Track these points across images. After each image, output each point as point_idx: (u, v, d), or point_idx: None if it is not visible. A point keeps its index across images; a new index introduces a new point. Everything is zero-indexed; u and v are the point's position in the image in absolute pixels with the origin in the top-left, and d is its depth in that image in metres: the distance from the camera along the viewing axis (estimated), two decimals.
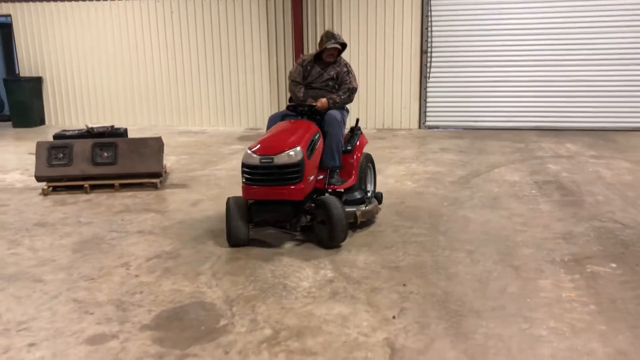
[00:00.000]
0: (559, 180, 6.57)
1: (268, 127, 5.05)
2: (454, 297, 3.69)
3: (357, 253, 4.48)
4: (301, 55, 5.46)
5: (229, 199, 4.75)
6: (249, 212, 4.66)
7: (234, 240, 4.60)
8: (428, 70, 10.28)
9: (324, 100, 5.08)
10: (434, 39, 10.20)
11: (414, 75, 10.33)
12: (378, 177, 6.86)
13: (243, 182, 4.60)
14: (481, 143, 8.95)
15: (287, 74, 10.18)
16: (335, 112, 5.06)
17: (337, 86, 5.23)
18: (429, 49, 10.20)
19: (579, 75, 9.84)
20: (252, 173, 4.54)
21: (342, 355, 3.03)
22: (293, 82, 5.27)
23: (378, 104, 10.53)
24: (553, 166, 7.28)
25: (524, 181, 6.57)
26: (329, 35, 5.14)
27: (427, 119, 10.55)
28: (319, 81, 5.21)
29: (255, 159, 4.52)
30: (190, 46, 11.16)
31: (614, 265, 4.15)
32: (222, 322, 3.40)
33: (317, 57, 5.23)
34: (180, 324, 3.39)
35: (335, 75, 5.21)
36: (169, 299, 3.73)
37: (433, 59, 10.26)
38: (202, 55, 11.13)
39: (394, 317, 3.43)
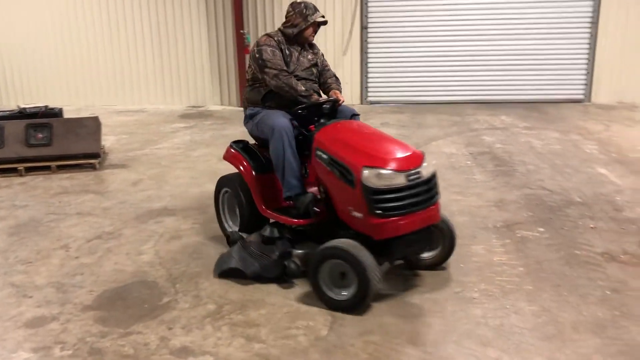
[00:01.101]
0: (493, 151, 6.84)
1: (286, 142, 3.67)
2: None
3: None
4: (266, 34, 4.02)
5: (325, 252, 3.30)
6: (382, 251, 3.35)
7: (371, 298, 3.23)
8: (368, 46, 10.38)
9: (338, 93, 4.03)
10: (373, 15, 10.28)
11: (355, 51, 10.40)
12: None
13: (378, 214, 3.22)
14: (421, 117, 9.16)
15: (235, 52, 9.97)
16: (350, 108, 4.09)
17: (318, 74, 4.16)
18: (369, 25, 10.29)
19: (512, 49, 10.15)
20: (398, 199, 3.25)
21: (284, 324, 3.12)
22: (281, 72, 3.81)
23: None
24: (488, 138, 7.56)
25: (460, 153, 6.80)
26: (311, 6, 3.98)
27: (369, 94, 10.68)
28: (300, 69, 4.01)
29: (400, 178, 3.24)
30: (127, 22, 10.83)
31: (541, 229, 4.40)
32: (166, 300, 3.42)
33: (291, 37, 4.01)
34: (123, 303, 3.40)
35: (316, 61, 4.14)
36: (111, 279, 3.71)
37: (373, 35, 10.35)
38: (139, 31, 10.83)
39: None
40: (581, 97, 10.19)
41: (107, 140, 7.63)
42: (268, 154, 3.86)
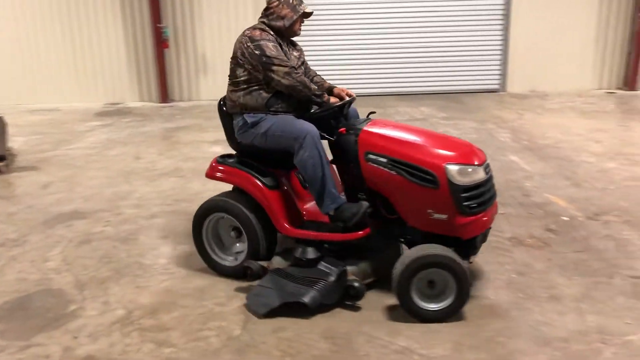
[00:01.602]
0: None
1: (321, 150, 3.29)
2: None
3: None
4: (257, 28, 3.49)
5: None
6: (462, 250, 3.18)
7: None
8: None
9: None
10: None
11: None
12: None
13: (467, 212, 3.07)
14: None
15: (153, 46, 9.67)
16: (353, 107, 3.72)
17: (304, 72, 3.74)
18: None
19: (431, 41, 10.38)
20: (482, 194, 3.13)
21: (196, 327, 3.06)
22: (292, 69, 3.35)
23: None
24: None
25: None
26: None
27: None
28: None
29: (481, 172, 3.12)
30: (36, 16, 10.25)
31: None
32: (72, 307, 3.28)
33: (281, 32, 3.55)
34: (24, 314, 3.22)
35: (303, 58, 3.77)
36: (13, 289, 3.51)
37: None
38: (49, 26, 10.28)
39: (251, 285, 3.50)
40: (497, 87, 10.57)
41: (16, 142, 7.21)
42: (270, 167, 3.50)
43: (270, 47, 3.38)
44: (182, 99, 10.35)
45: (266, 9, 3.56)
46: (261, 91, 3.43)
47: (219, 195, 3.62)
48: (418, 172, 3.08)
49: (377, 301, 3.26)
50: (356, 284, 3.14)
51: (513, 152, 6.39)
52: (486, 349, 2.82)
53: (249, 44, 3.39)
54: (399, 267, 3.01)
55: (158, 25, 9.82)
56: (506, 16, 10.21)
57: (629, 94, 9.98)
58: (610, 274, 3.52)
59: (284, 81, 3.33)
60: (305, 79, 3.40)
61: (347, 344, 2.89)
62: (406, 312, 3.05)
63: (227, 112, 3.59)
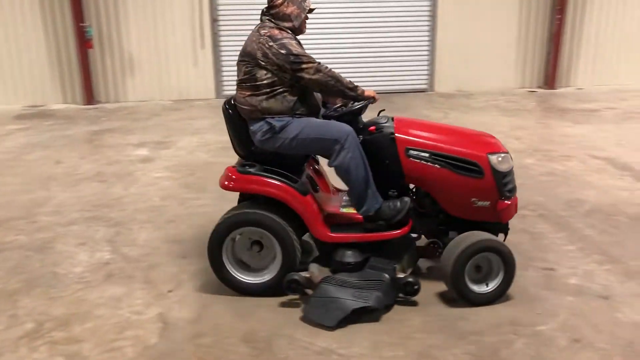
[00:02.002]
0: None
1: (361, 150, 3.22)
2: None
3: (139, 231, 4.35)
4: (275, 27, 3.30)
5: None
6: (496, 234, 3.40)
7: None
8: (220, 39, 10.20)
9: None
10: (223, 7, 10.11)
11: (207, 43, 10.17)
12: (170, 150, 6.74)
13: (506, 197, 3.30)
14: None
15: (76, 46, 9.30)
16: None
17: None
18: (219, 17, 10.11)
19: (360, 42, 10.48)
20: (513, 179, 3.39)
21: (110, 337, 2.95)
22: (319, 64, 3.21)
23: (172, 73, 10.22)
24: None
25: None
26: None
27: (224, 88, 10.51)
28: None
29: (510, 159, 3.36)
30: None
31: None
32: None
33: (294, 31, 3.40)
34: None
35: None
36: None
37: (225, 28, 10.19)
38: None
39: (169, 291, 3.42)
40: (425, 87, 10.81)
41: None
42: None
43: (295, 45, 3.22)
44: (109, 100, 10.01)
45: (269, 8, 3.36)
46: (286, 94, 3.25)
47: (240, 209, 3.34)
48: (462, 164, 3.24)
49: (297, 302, 3.25)
50: (411, 279, 3.17)
51: None
52: (403, 346, 2.86)
53: (271, 44, 3.17)
54: (452, 254, 3.13)
55: (81, 24, 9.46)
56: (433, 17, 10.45)
57: (549, 92, 10.43)
58: (524, 266, 3.64)
59: (316, 77, 3.17)
60: (336, 72, 3.24)
61: (267, 347, 2.86)
62: (459, 297, 3.18)
63: (241, 117, 3.33)
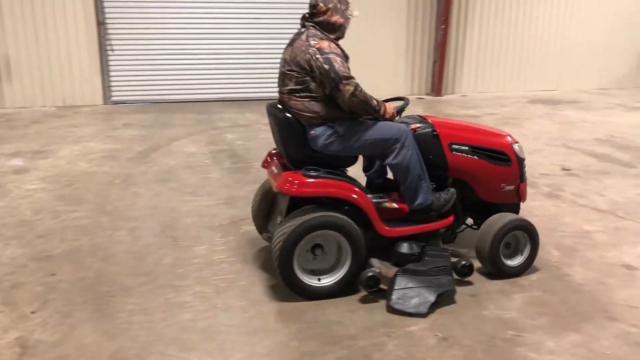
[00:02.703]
0: (233, 149, 6.94)
1: (413, 142, 3.47)
2: (106, 279, 3.60)
3: (3, 248, 4.03)
4: (326, 38, 3.33)
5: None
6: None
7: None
8: (108, 42, 9.77)
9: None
10: (110, 10, 9.69)
11: (92, 47, 9.69)
12: (49, 160, 6.33)
13: (524, 180, 3.87)
14: (166, 117, 8.92)
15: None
16: None
17: None
18: (106, 20, 9.67)
19: (256, 48, 10.45)
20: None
21: None
22: (357, 88, 3.25)
23: (55, 77, 9.64)
24: (230, 135, 7.65)
25: (200, 152, 6.76)
26: None
27: (113, 94, 10.06)
28: None
29: (522, 149, 3.92)
30: None
31: None
32: None
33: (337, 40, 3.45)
34: None
35: None
36: None
37: (113, 31, 9.77)
38: None
39: (33, 312, 3.18)
40: None
41: None
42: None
43: (339, 62, 3.23)
44: None
45: (313, 14, 3.39)
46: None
47: (306, 214, 3.25)
48: (495, 154, 3.69)
49: (172, 318, 3.14)
50: (465, 262, 3.48)
51: None
52: (278, 354, 2.84)
53: (317, 56, 3.22)
54: (488, 235, 3.53)
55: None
56: None
57: (436, 99, 10.91)
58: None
59: (349, 102, 3.26)
60: (368, 95, 3.31)
61: None
62: (496, 272, 3.58)
63: (294, 122, 3.35)
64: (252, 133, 7.82)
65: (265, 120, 8.58)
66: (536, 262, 3.76)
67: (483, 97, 11.12)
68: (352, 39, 10.52)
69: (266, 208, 3.92)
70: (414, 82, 11.27)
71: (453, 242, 3.93)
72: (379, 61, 10.91)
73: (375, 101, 3.37)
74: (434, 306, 3.19)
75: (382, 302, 3.29)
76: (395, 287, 3.22)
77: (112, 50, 9.81)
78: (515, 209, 3.89)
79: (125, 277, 3.61)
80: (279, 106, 3.46)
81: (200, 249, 4.06)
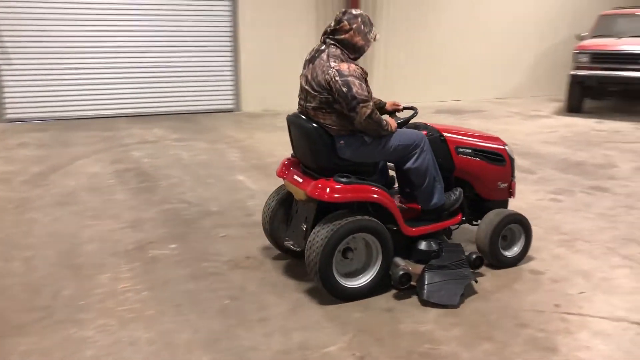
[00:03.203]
0: (140, 167, 6.63)
1: (429, 147, 3.78)
2: None
3: None
4: (345, 61, 3.44)
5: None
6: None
7: None
8: (1, 56, 9.11)
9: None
10: (3, 22, 9.05)
11: None
12: None
13: (514, 177, 4.27)
14: (67, 135, 8.42)
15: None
16: None
17: None
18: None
19: (165, 61, 10.16)
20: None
21: None
22: (373, 112, 3.44)
23: None
24: (137, 153, 7.33)
25: (104, 171, 6.41)
26: (369, 20, 3.62)
27: (7, 111, 9.40)
28: None
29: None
30: None
31: (174, 246, 4.33)
32: None
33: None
34: None
35: None
36: None
37: (7, 45, 9.13)
38: None
39: None
40: (232, 106, 10.79)
41: None
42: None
43: (357, 84, 3.36)
44: None
45: (335, 31, 3.50)
46: None
47: (346, 218, 3.40)
48: (493, 155, 4.06)
49: (71, 356, 2.88)
50: (476, 255, 3.77)
51: (240, 172, 6.48)
52: None
53: (337, 79, 3.35)
54: (487, 227, 3.88)
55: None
56: (234, 37, 10.49)
57: None
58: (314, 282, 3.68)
59: (365, 123, 3.42)
60: (381, 118, 3.50)
61: None
62: (496, 262, 3.93)
63: (321, 133, 3.51)
64: (160, 150, 7.53)
65: (175, 135, 8.40)
66: None
67: None
68: (258, 49, 10.33)
69: (283, 215, 3.99)
70: None
71: (450, 239, 4.12)
72: (288, 73, 10.86)
73: (384, 121, 3.56)
74: (461, 296, 3.45)
75: (296, 323, 3.21)
76: (427, 282, 3.48)
77: None
78: (505, 205, 4.27)
79: (18, 314, 3.30)
80: (303, 117, 3.61)
81: (103, 277, 3.79)
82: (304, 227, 3.67)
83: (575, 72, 10.88)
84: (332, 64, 3.38)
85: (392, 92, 11.85)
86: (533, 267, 4.03)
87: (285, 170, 3.89)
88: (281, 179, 3.95)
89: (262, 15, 10.52)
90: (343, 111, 3.42)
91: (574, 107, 11.03)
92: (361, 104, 3.35)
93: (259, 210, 5.11)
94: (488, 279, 3.83)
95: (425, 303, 3.41)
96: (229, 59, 10.58)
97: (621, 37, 10.90)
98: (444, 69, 12.36)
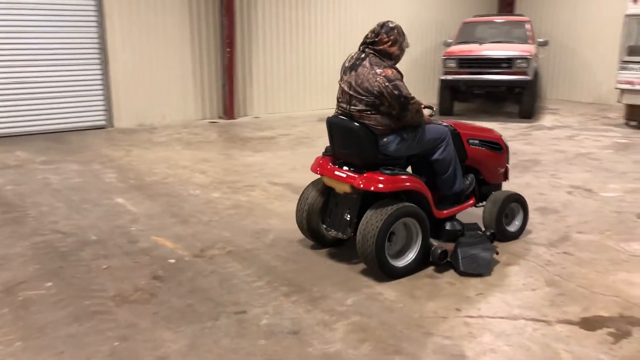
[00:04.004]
0: (2, 196, 5.93)
1: (451, 139, 4.40)
2: None
3: None
4: (389, 67, 3.91)
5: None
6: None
7: None
8: None
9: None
10: None
11: None
12: None
13: (508, 162, 4.93)
14: None
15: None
16: None
17: None
18: None
19: (24, 76, 9.24)
20: None
21: None
22: (420, 108, 4.07)
23: None
24: None
25: None
26: (402, 31, 4.04)
27: None
28: None
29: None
30: None
31: (49, 284, 3.86)
32: None
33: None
34: None
35: None
36: None
37: None
38: None
39: None
40: (104, 123, 10.08)
41: None
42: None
43: (403, 86, 3.85)
44: None
45: (374, 43, 3.93)
46: (391, 111, 3.92)
47: (393, 205, 3.83)
48: (493, 145, 4.66)
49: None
50: (491, 231, 4.37)
51: (119, 194, 6.01)
52: None
53: (387, 84, 3.79)
54: (494, 205, 4.52)
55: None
56: (103, 50, 9.82)
57: (229, 122, 10.79)
58: (216, 314, 3.45)
59: (416, 117, 3.98)
60: (423, 111, 4.08)
61: None
62: (502, 237, 4.53)
63: (366, 133, 3.93)
64: (26, 175, 6.80)
65: (42, 157, 7.64)
66: (348, 284, 3.77)
67: (275, 117, 11.30)
68: (130, 61, 9.88)
69: (322, 206, 4.31)
70: (204, 107, 11.03)
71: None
72: (163, 86, 10.48)
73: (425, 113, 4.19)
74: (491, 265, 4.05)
75: (198, 358, 2.96)
76: (461, 257, 3.98)
77: None
78: (500, 187, 4.88)
79: None
80: (345, 118, 4.03)
81: None
82: (347, 217, 4.06)
83: (444, 77, 11.48)
84: (378, 70, 3.83)
85: (273, 102, 11.78)
86: (429, 272, 4.07)
87: (321, 167, 4.25)
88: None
89: (133, 22, 9.94)
90: (391, 111, 3.89)
91: (445, 109, 11.62)
92: (411, 102, 3.87)
93: (143, 235, 4.80)
94: (390, 286, 3.81)
95: (463, 273, 3.94)
96: (97, 70, 9.86)
97: (482, 44, 11.68)
98: (320, 77, 12.48)
